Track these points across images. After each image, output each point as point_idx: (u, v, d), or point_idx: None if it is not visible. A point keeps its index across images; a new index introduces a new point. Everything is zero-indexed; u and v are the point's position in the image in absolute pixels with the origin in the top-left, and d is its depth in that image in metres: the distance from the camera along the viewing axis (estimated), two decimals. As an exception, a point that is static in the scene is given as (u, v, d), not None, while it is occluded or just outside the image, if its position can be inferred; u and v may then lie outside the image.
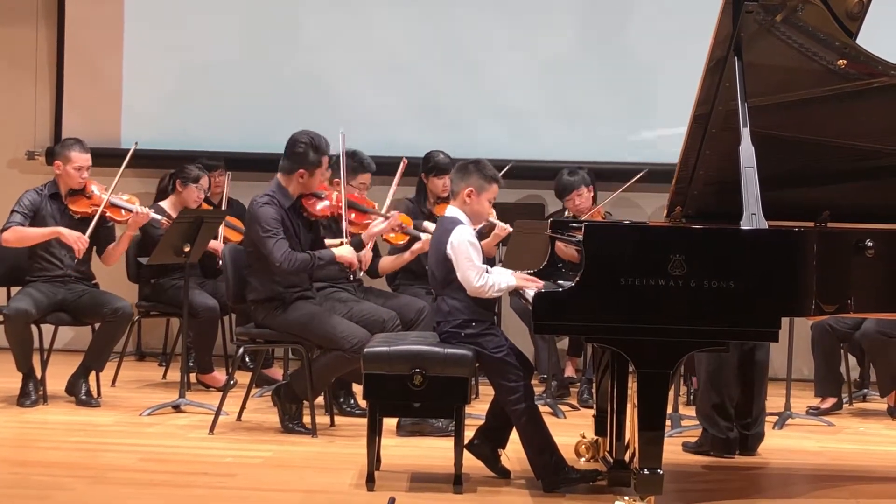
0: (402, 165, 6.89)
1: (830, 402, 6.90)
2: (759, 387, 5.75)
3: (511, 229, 6.56)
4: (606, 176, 7.69)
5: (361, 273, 6.32)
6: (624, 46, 8.28)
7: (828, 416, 6.74)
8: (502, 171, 5.54)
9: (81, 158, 6.63)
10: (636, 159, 8.00)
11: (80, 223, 6.59)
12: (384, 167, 7.09)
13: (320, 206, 6.10)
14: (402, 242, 6.74)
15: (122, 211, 6.64)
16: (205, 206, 7.53)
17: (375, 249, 6.62)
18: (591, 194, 7.38)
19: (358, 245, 6.17)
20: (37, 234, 6.54)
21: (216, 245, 7.06)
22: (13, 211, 6.57)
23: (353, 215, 6.36)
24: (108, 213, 6.62)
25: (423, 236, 6.58)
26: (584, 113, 8.32)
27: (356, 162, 6.63)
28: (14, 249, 6.60)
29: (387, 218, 6.39)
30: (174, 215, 7.00)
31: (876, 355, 6.89)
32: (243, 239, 6.31)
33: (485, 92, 8.35)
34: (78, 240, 6.46)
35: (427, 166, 7.15)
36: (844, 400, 7.04)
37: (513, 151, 7.88)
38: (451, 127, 8.26)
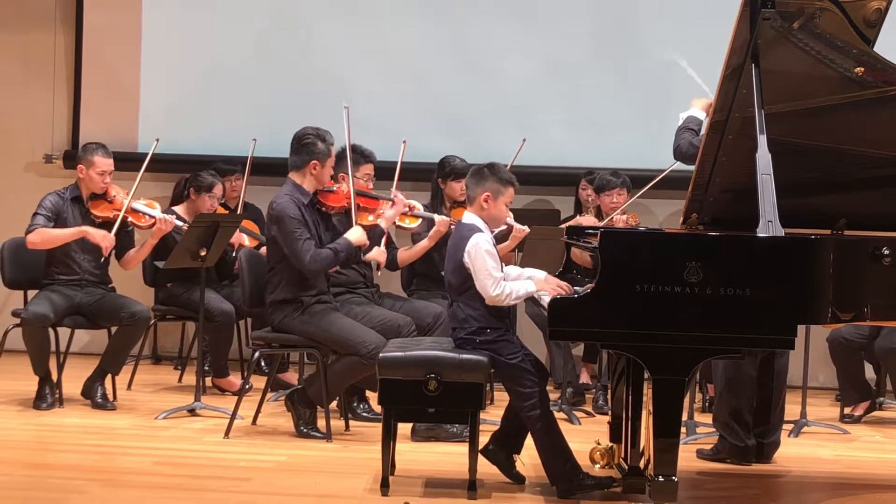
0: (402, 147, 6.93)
1: (863, 406, 6.88)
2: (778, 395, 5.72)
3: (528, 230, 6.58)
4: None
5: (379, 273, 6.32)
6: (639, 53, 8.26)
7: (845, 423, 6.73)
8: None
9: (105, 163, 6.65)
10: (651, 166, 7.97)
11: (101, 227, 6.60)
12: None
13: (334, 198, 6.15)
14: (414, 225, 6.78)
15: (144, 216, 6.66)
16: (221, 209, 7.54)
17: (391, 242, 6.65)
18: (625, 200, 7.35)
19: (379, 235, 6.22)
20: (63, 234, 6.55)
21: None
22: (36, 213, 6.57)
23: (361, 205, 6.40)
24: (129, 219, 6.64)
25: (437, 217, 6.63)
26: (598, 119, 8.30)
27: (357, 154, 6.59)
28: (31, 253, 6.62)
29: (393, 202, 6.41)
30: (189, 220, 7.02)
31: (892, 368, 6.87)
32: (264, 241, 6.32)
33: (498, 98, 8.34)
34: (104, 238, 6.49)
35: (444, 171, 7.15)
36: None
37: (525, 157, 7.87)
38: (465, 132, 8.25)
